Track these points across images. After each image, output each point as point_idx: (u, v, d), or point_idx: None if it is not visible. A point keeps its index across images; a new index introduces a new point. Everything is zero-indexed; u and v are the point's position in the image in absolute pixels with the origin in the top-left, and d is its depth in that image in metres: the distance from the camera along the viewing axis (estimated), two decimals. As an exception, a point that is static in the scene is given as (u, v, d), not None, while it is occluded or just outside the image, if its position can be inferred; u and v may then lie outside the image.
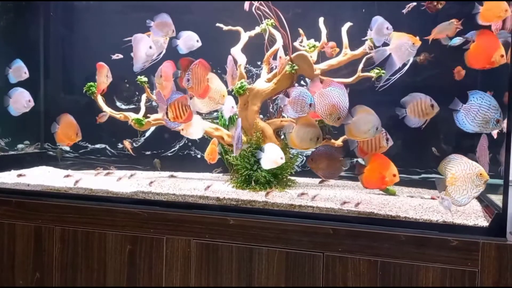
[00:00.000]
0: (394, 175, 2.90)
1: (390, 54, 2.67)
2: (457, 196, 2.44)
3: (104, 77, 3.33)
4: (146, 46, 3.03)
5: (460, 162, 2.43)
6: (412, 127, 2.71)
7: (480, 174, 2.39)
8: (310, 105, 2.85)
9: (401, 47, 2.65)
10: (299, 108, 2.89)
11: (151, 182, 3.23)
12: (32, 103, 3.35)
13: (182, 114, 3.05)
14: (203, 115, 3.46)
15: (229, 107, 3.06)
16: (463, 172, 2.41)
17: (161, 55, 3.14)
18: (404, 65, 2.71)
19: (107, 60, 3.37)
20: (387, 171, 2.90)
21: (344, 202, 2.75)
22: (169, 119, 3.12)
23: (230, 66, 3.06)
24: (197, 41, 3.13)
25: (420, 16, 3.03)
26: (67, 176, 3.36)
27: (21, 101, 3.32)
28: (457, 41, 2.82)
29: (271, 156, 2.90)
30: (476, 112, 2.40)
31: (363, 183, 3.02)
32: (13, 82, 3.38)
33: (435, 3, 2.93)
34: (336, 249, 2.54)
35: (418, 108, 2.67)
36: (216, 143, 3.34)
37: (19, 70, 3.37)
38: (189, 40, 3.12)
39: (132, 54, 3.05)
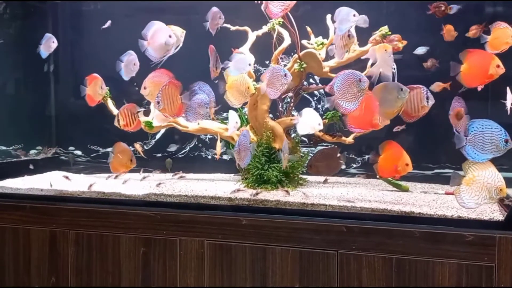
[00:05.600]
0: (407, 164, 2.87)
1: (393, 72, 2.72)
2: (466, 197, 2.38)
3: (99, 88, 3.27)
4: (165, 35, 2.84)
5: (486, 167, 2.36)
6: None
7: (500, 189, 2.32)
8: (285, 75, 2.82)
9: (383, 59, 2.70)
10: (278, 84, 2.86)
11: (159, 184, 3.25)
12: (137, 67, 3.11)
13: (131, 122, 3.21)
14: (214, 116, 3.45)
15: (233, 123, 3.03)
16: (485, 179, 2.34)
17: (178, 48, 3.02)
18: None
19: (112, 64, 3.34)
20: (400, 161, 2.88)
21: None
22: (120, 126, 3.24)
23: (212, 56, 2.96)
24: (249, 64, 3.00)
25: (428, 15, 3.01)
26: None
27: (129, 65, 3.11)
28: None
29: (309, 121, 2.82)
30: (482, 141, 2.34)
31: (377, 171, 3.01)
32: (44, 57, 3.38)
33: (442, 7, 2.88)
34: (350, 247, 2.53)
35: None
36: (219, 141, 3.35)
37: (48, 42, 3.32)
38: (241, 63, 2.96)
39: (146, 44, 2.86)
